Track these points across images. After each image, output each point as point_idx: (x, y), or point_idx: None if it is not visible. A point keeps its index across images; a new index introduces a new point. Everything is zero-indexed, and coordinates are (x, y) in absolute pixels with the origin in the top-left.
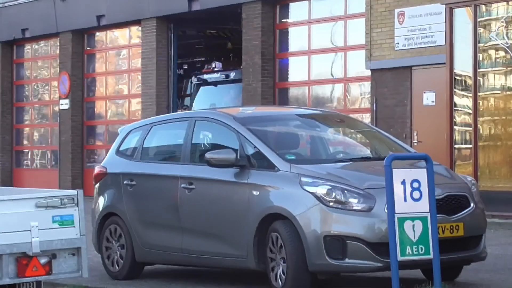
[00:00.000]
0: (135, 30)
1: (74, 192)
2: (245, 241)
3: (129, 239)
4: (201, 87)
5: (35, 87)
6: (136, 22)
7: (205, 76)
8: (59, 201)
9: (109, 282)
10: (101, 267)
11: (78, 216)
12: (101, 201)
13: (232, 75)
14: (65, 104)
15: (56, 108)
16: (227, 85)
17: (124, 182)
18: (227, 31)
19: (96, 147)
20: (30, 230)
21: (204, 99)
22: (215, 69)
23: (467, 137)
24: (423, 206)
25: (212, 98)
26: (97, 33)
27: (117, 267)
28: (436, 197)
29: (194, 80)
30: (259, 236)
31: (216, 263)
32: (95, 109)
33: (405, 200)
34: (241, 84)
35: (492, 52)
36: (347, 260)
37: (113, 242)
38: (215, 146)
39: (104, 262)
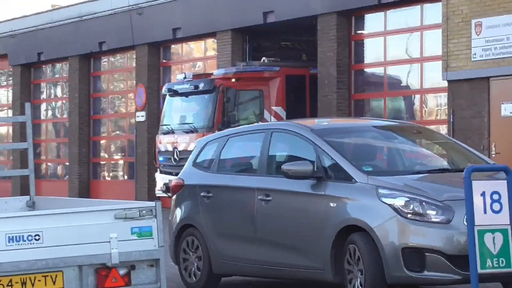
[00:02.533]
0: (211, 42)
1: (152, 203)
2: (322, 253)
3: (206, 250)
4: (172, 98)
5: (112, 99)
6: (212, 34)
7: (176, 87)
8: (138, 212)
9: None
10: (178, 279)
11: (157, 228)
12: (178, 213)
13: (201, 85)
14: (141, 116)
15: (133, 120)
16: (197, 96)
17: (201, 194)
18: (302, 43)
19: None
20: (109, 242)
21: (174, 111)
22: (186, 79)
23: None
24: (504, 218)
25: (182, 110)
26: (173, 46)
27: (194, 279)
28: None
29: (165, 91)
30: (336, 248)
31: (293, 275)
32: None
33: (485, 212)
34: (212, 95)
35: None
36: (425, 272)
37: (190, 253)
38: (291, 158)
39: (181, 273)
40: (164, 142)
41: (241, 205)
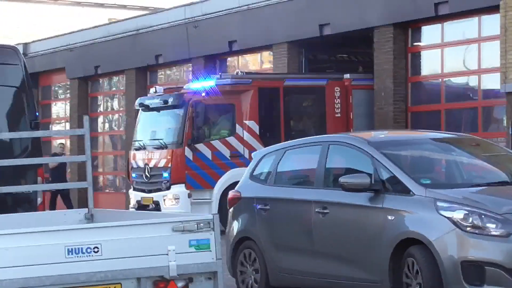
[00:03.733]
0: (267, 55)
1: (210, 216)
2: (379, 266)
3: (263, 263)
4: (144, 113)
5: None
6: (268, 47)
7: (147, 101)
8: (196, 225)
9: None
10: None
11: (214, 240)
12: (236, 225)
13: (171, 100)
14: None
15: None
16: (167, 111)
17: (258, 207)
18: (358, 55)
19: None
20: (167, 254)
21: (146, 126)
22: (157, 94)
23: None
24: None
25: (153, 125)
26: (229, 58)
27: None
28: None
29: (137, 105)
30: (394, 261)
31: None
32: None
33: None
34: (182, 110)
35: None
36: (485, 286)
37: (248, 266)
38: (348, 170)
39: (239, 286)
40: (136, 158)
41: (298, 217)
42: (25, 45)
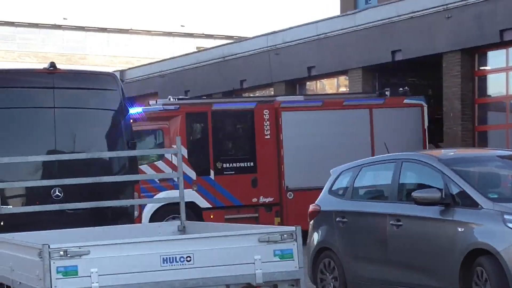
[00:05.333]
0: (343, 79)
1: (293, 228)
2: (450, 274)
3: (341, 271)
4: None
5: None
6: (343, 72)
7: None
8: (280, 236)
9: None
10: None
11: (297, 250)
12: (316, 237)
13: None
14: None
15: None
16: None
17: (337, 219)
18: (427, 79)
19: None
20: (253, 263)
21: None
22: None
23: None
24: None
25: None
26: (308, 83)
27: None
28: None
29: None
30: (464, 270)
31: None
32: None
33: None
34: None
35: None
36: None
37: (327, 274)
38: (420, 186)
39: None
40: None
41: (374, 229)
42: (122, 72)
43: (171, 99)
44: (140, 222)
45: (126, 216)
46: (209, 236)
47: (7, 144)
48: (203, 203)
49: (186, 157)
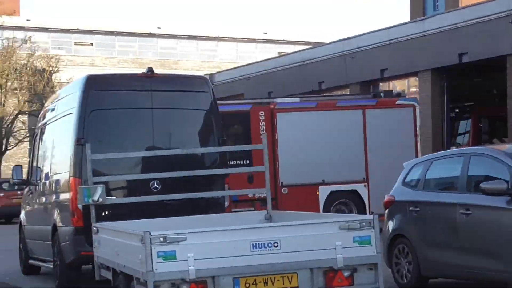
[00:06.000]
0: (413, 81)
1: (370, 217)
2: None
3: (415, 256)
4: None
5: None
6: (413, 73)
7: None
8: (358, 224)
9: None
10: (391, 280)
11: (374, 237)
12: (390, 224)
13: None
14: None
15: None
16: None
17: (410, 209)
18: (492, 79)
19: None
20: (335, 248)
21: None
22: None
23: None
24: None
25: None
26: (381, 84)
27: (405, 280)
28: None
29: None
30: None
31: (490, 278)
32: None
33: None
34: None
35: None
36: None
37: (401, 258)
38: (487, 178)
39: (394, 275)
40: None
41: (445, 218)
42: (211, 75)
43: None
44: (230, 211)
45: (217, 206)
46: (294, 224)
47: (111, 141)
48: None
49: None
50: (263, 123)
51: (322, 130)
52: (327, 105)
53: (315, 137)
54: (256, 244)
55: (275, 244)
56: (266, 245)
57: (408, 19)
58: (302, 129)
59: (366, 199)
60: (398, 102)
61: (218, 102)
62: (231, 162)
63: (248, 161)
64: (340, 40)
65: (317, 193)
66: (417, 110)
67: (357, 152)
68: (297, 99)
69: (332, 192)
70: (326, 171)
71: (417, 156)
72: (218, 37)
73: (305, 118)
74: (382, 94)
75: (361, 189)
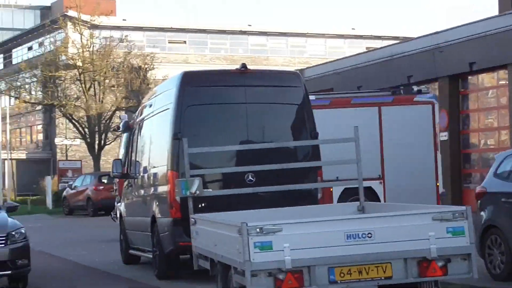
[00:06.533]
0: (502, 73)
1: (463, 208)
2: None
3: (507, 247)
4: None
5: None
6: (503, 66)
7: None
8: (451, 215)
9: (492, 283)
10: (483, 270)
11: (468, 228)
12: (483, 215)
13: (121, 126)
14: (444, 136)
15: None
16: (123, 135)
17: (502, 200)
18: None
19: (472, 171)
20: (428, 239)
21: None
22: (121, 120)
23: None
24: None
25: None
26: (469, 77)
27: (498, 270)
28: None
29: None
30: None
31: None
32: (469, 140)
33: None
34: (127, 135)
35: None
36: None
37: (494, 249)
38: None
39: (487, 266)
40: None
41: None
42: (301, 71)
43: None
44: (323, 203)
45: (311, 198)
46: (388, 215)
47: (206, 135)
48: None
49: None
50: None
51: (336, 127)
52: (341, 103)
53: (329, 134)
54: (350, 234)
55: (369, 235)
56: (360, 236)
57: (496, 13)
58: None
59: (382, 196)
60: (416, 99)
61: None
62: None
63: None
64: (428, 35)
65: (331, 189)
66: (436, 107)
67: (373, 149)
68: (312, 97)
69: (346, 189)
70: (340, 168)
71: (436, 155)
72: (307, 33)
73: (319, 116)
74: (401, 91)
75: (376, 186)
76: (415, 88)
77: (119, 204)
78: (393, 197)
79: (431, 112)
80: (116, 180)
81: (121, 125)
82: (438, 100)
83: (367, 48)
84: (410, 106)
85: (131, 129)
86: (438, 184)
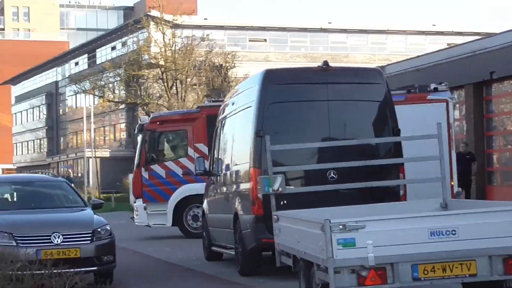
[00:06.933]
0: None
1: None
2: None
3: None
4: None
5: (501, 119)
6: None
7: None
8: None
9: None
10: None
11: None
12: None
13: (136, 128)
14: None
15: None
16: (139, 137)
17: None
18: None
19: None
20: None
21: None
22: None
23: None
24: None
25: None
26: None
27: None
28: None
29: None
30: None
31: None
32: None
33: None
34: (142, 137)
35: None
36: None
37: None
38: None
39: None
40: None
41: None
42: (382, 68)
43: (206, 102)
44: (405, 200)
45: (393, 195)
46: (472, 212)
47: (288, 133)
48: None
49: (206, 153)
50: None
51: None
52: None
53: None
54: (434, 231)
55: (453, 232)
56: (444, 233)
57: None
58: None
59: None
60: (429, 97)
61: None
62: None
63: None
64: (510, 30)
65: None
66: (450, 105)
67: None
68: None
69: None
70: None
71: (450, 152)
72: (388, 30)
73: None
74: (416, 89)
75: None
76: (433, 85)
77: (135, 203)
78: (408, 193)
79: (445, 110)
80: (131, 178)
81: (136, 127)
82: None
83: (448, 44)
84: (423, 105)
85: (145, 131)
86: (452, 183)
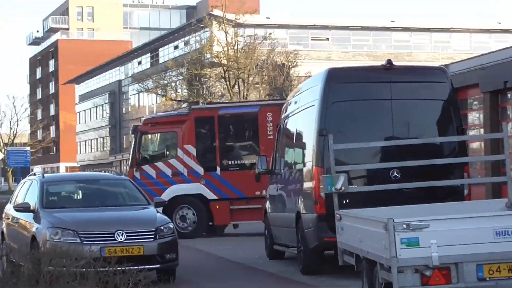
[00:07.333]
0: None
1: None
2: None
3: None
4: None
5: None
6: None
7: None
8: None
9: None
10: None
11: None
12: None
13: (131, 130)
14: None
15: None
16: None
17: None
18: None
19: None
20: None
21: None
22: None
23: None
24: None
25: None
26: None
27: None
28: None
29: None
30: None
31: None
32: None
33: None
34: (135, 138)
35: None
36: None
37: None
38: None
39: None
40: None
41: None
42: (445, 66)
43: (200, 104)
44: (469, 199)
45: (457, 194)
46: None
47: (351, 132)
48: (209, 195)
49: (195, 155)
50: (271, 123)
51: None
52: None
53: None
54: (500, 231)
55: None
56: (510, 233)
57: None
58: None
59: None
60: None
61: (228, 104)
62: (239, 162)
63: (255, 161)
64: None
65: None
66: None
67: None
68: None
69: None
70: None
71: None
72: (451, 28)
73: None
74: None
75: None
76: None
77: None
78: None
79: None
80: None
81: (131, 129)
82: None
83: None
84: None
85: (138, 132)
86: None
